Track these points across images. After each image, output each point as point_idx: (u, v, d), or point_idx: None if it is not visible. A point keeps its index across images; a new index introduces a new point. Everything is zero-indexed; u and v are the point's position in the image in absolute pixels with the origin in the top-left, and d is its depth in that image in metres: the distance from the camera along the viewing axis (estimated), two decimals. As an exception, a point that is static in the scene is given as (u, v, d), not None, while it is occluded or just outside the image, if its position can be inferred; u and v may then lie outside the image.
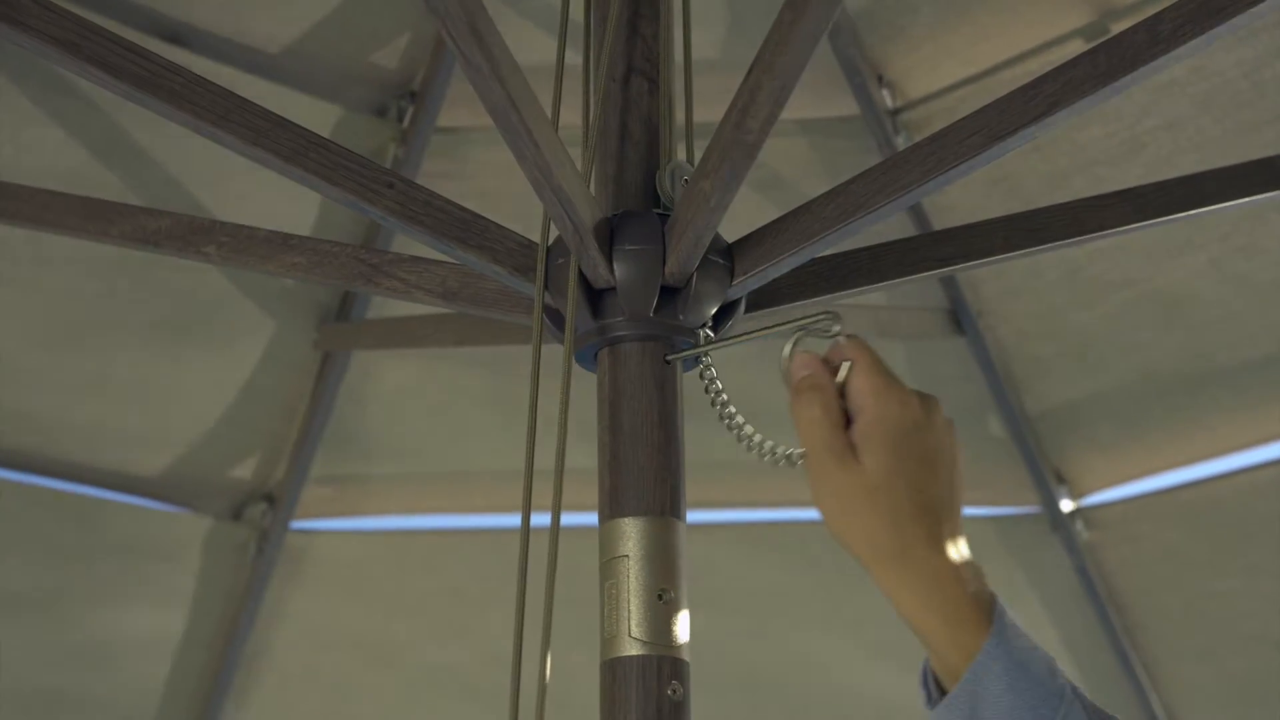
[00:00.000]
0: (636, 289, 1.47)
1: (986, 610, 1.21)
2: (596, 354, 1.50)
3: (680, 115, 1.68)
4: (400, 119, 2.59)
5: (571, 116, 1.63)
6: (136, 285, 2.58)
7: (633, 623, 1.38)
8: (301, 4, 2.43)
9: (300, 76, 2.47)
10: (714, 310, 1.52)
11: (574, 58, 1.71)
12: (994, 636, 1.19)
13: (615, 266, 1.47)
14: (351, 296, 2.72)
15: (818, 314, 1.38)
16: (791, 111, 2.55)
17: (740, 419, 1.45)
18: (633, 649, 1.38)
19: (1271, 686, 2.83)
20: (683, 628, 1.40)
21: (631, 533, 1.42)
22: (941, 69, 2.50)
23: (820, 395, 1.30)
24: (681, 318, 1.48)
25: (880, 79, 2.54)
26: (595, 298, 1.49)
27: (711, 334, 1.51)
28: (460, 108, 2.61)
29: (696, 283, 1.48)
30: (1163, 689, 2.91)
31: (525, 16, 2.42)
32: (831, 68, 2.52)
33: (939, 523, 1.25)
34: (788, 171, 2.61)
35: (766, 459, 1.42)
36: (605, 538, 1.43)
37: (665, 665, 1.38)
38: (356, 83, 2.56)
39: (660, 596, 1.40)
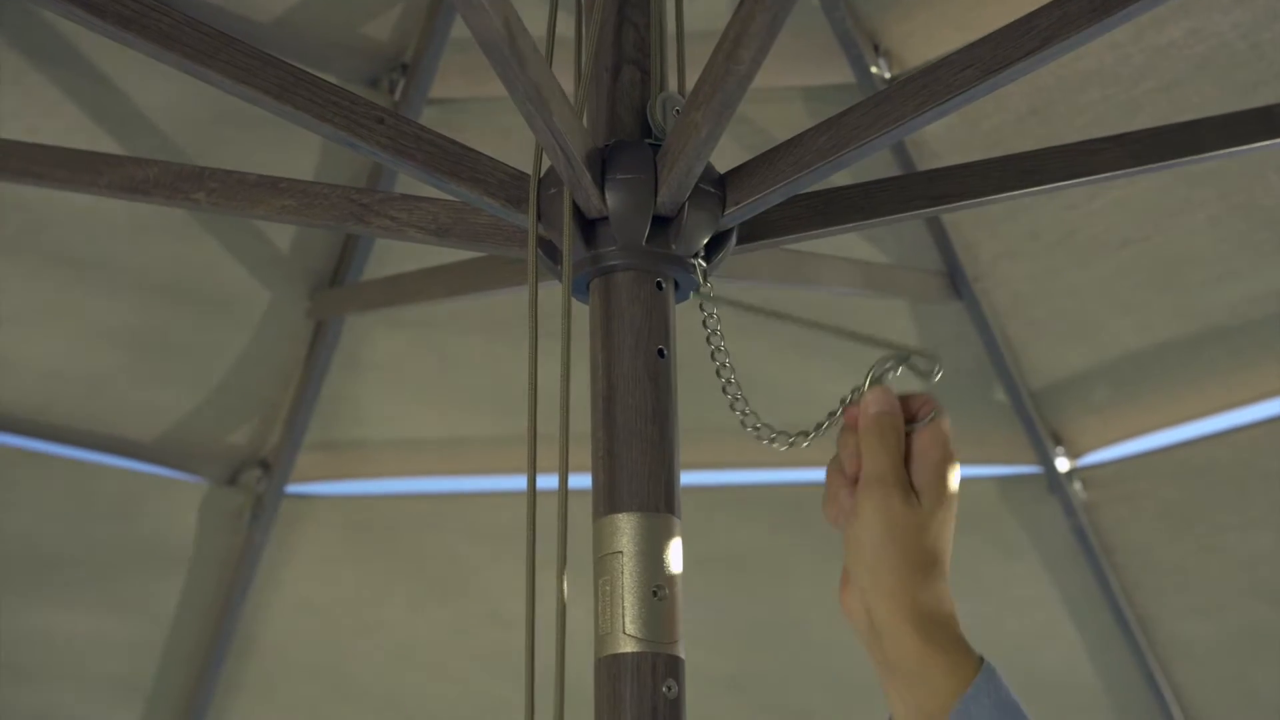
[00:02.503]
0: (629, 218, 1.47)
1: (974, 653, 1.32)
2: (589, 284, 1.50)
3: (673, 83, 1.68)
4: (392, 90, 2.57)
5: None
6: (130, 251, 2.58)
7: (627, 619, 1.38)
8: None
9: (290, 47, 2.46)
10: (706, 240, 1.52)
11: (564, 29, 1.71)
12: (986, 672, 1.29)
13: (607, 196, 1.47)
14: (345, 263, 2.72)
15: (921, 351, 1.43)
16: (788, 78, 2.57)
17: (734, 376, 1.48)
18: (628, 646, 1.38)
19: (1267, 642, 2.84)
20: (678, 624, 1.40)
21: (626, 529, 1.42)
22: (938, 35, 2.49)
23: (896, 431, 1.39)
24: (674, 247, 1.48)
25: (876, 48, 2.52)
26: (588, 227, 1.49)
27: (704, 264, 1.51)
28: (452, 79, 2.59)
29: (688, 212, 1.48)
30: (1159, 646, 2.92)
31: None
32: (827, 37, 2.51)
33: (947, 571, 1.37)
34: (784, 136, 2.60)
35: (749, 427, 1.45)
36: (600, 534, 1.43)
37: (660, 662, 1.38)
38: (348, 54, 2.55)
39: (655, 593, 1.39)
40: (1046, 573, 2.94)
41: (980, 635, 3.14)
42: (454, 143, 1.50)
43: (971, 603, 3.08)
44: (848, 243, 2.62)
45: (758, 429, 1.49)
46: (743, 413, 1.49)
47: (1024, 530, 2.93)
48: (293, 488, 2.89)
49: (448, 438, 2.96)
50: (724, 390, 1.50)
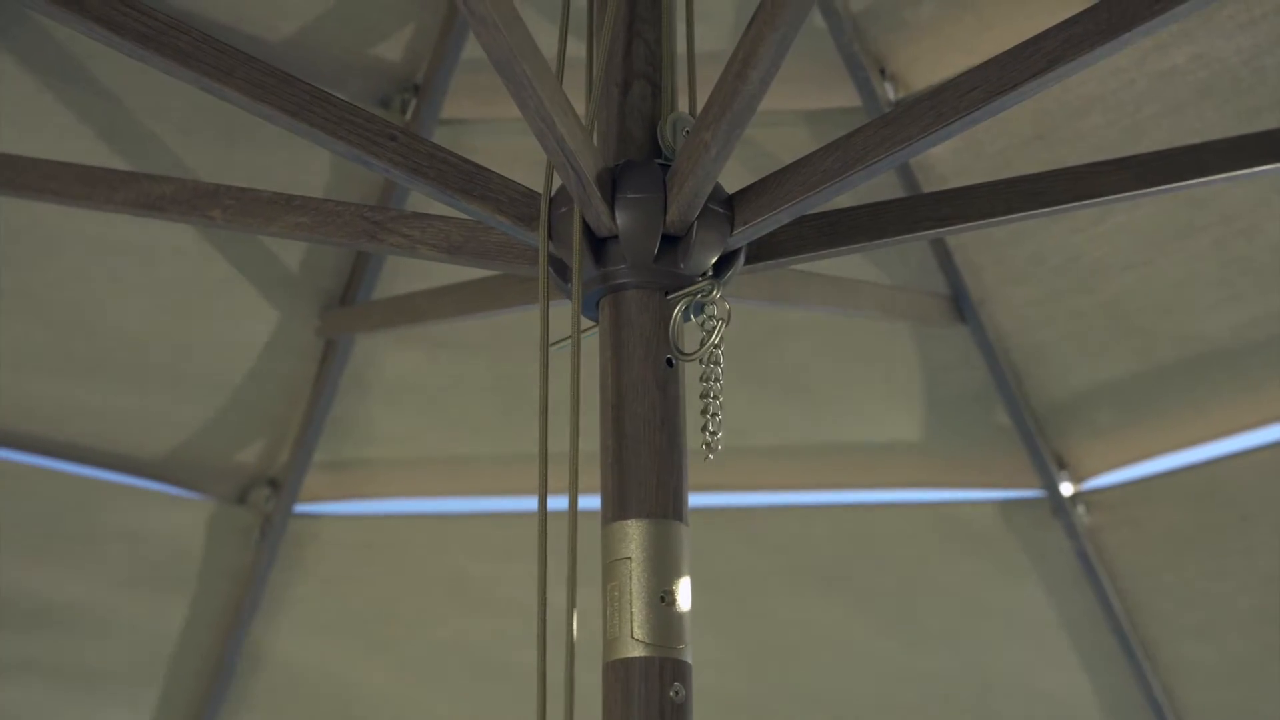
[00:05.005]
0: (638, 236, 1.49)
1: None
2: (599, 302, 1.52)
3: (684, 104, 1.70)
4: (404, 111, 2.59)
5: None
6: (140, 270, 2.60)
7: (635, 624, 1.40)
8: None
9: (301, 67, 2.47)
10: (714, 259, 1.53)
11: (575, 49, 1.73)
12: None
13: (617, 215, 1.49)
14: (355, 282, 2.73)
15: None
16: (795, 102, 2.59)
17: (720, 385, 1.50)
18: (635, 651, 1.40)
19: (1271, 666, 2.84)
20: (685, 630, 1.42)
21: (634, 535, 1.44)
22: (945, 60, 2.51)
23: None
24: (682, 266, 1.50)
25: (883, 71, 2.54)
26: (598, 246, 1.51)
27: (713, 282, 1.53)
28: (463, 100, 2.61)
29: (697, 231, 1.50)
30: (1162, 669, 2.91)
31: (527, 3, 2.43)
32: (834, 60, 2.53)
33: None
34: (791, 160, 2.62)
35: (704, 436, 1.48)
36: (608, 540, 1.45)
37: (667, 667, 1.40)
38: (359, 74, 2.57)
39: (663, 599, 1.41)
40: (1049, 596, 2.93)
41: (982, 657, 3.16)
42: (466, 160, 1.52)
43: (974, 625, 3.10)
44: (854, 266, 2.64)
45: (708, 444, 1.52)
46: (709, 417, 1.52)
47: (1027, 554, 2.93)
48: (301, 507, 2.90)
49: (455, 457, 2.97)
50: (703, 395, 1.53)
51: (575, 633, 1.40)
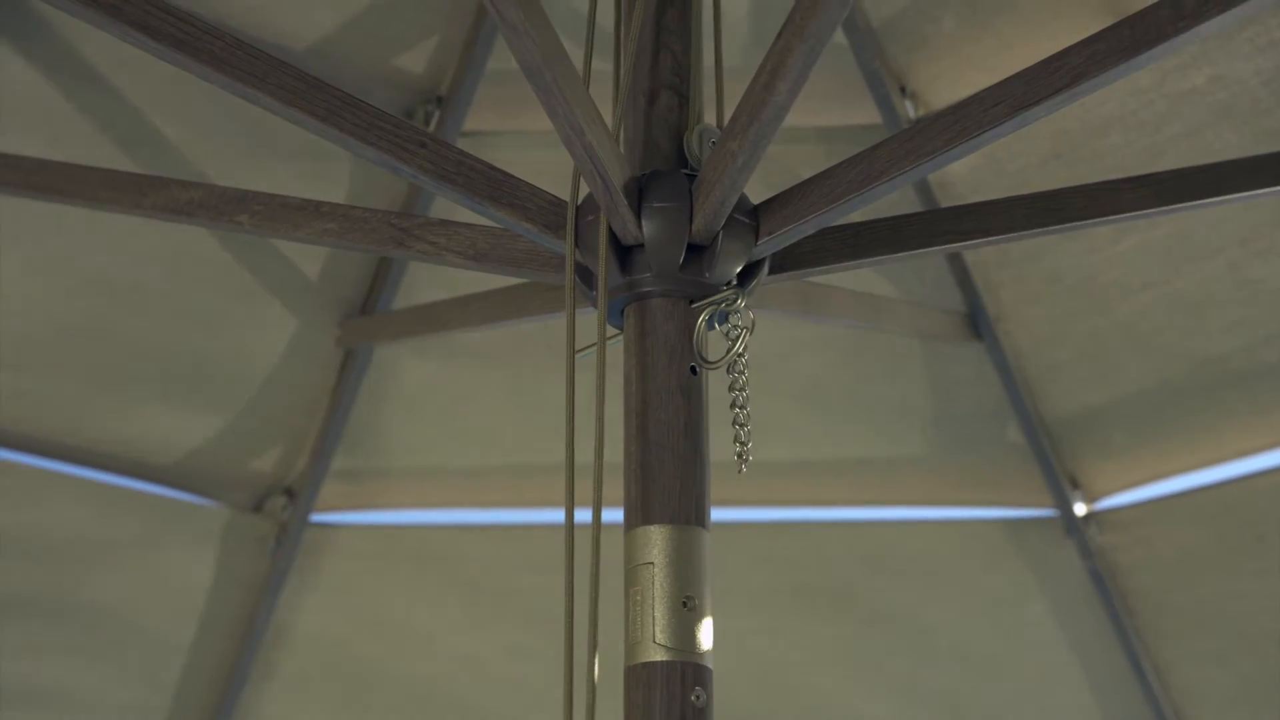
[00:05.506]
0: (664, 245, 1.50)
1: None
2: (623, 310, 1.53)
3: (710, 116, 1.71)
4: (427, 122, 2.60)
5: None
6: (164, 278, 2.61)
7: (657, 629, 1.41)
8: (328, 7, 2.44)
9: (326, 78, 2.48)
10: (739, 269, 1.55)
11: (600, 64, 1.74)
12: None
13: (644, 223, 1.50)
14: (375, 292, 2.74)
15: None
16: (815, 119, 2.60)
17: (746, 394, 1.51)
18: (657, 655, 1.41)
19: (1283, 689, 2.84)
20: (706, 635, 1.43)
21: (657, 541, 1.45)
22: (964, 79, 2.52)
23: None
24: (707, 275, 1.51)
25: (903, 89, 2.55)
26: (623, 254, 1.52)
27: (738, 292, 1.54)
28: (486, 112, 2.63)
29: (722, 241, 1.52)
30: (1173, 691, 2.91)
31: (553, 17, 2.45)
32: (854, 77, 2.55)
33: None
34: (810, 175, 2.63)
35: (736, 447, 1.49)
36: (631, 545, 1.46)
37: (689, 671, 1.41)
38: (382, 86, 2.58)
39: (685, 604, 1.42)
40: (1061, 616, 2.94)
41: (993, 676, 3.15)
42: (493, 168, 1.53)
43: (984, 644, 3.10)
44: (871, 282, 2.65)
45: (740, 454, 1.54)
46: (739, 427, 1.54)
47: (1040, 573, 2.93)
48: (317, 516, 2.91)
49: (473, 468, 2.98)
50: (732, 404, 1.55)
51: (597, 639, 1.41)
